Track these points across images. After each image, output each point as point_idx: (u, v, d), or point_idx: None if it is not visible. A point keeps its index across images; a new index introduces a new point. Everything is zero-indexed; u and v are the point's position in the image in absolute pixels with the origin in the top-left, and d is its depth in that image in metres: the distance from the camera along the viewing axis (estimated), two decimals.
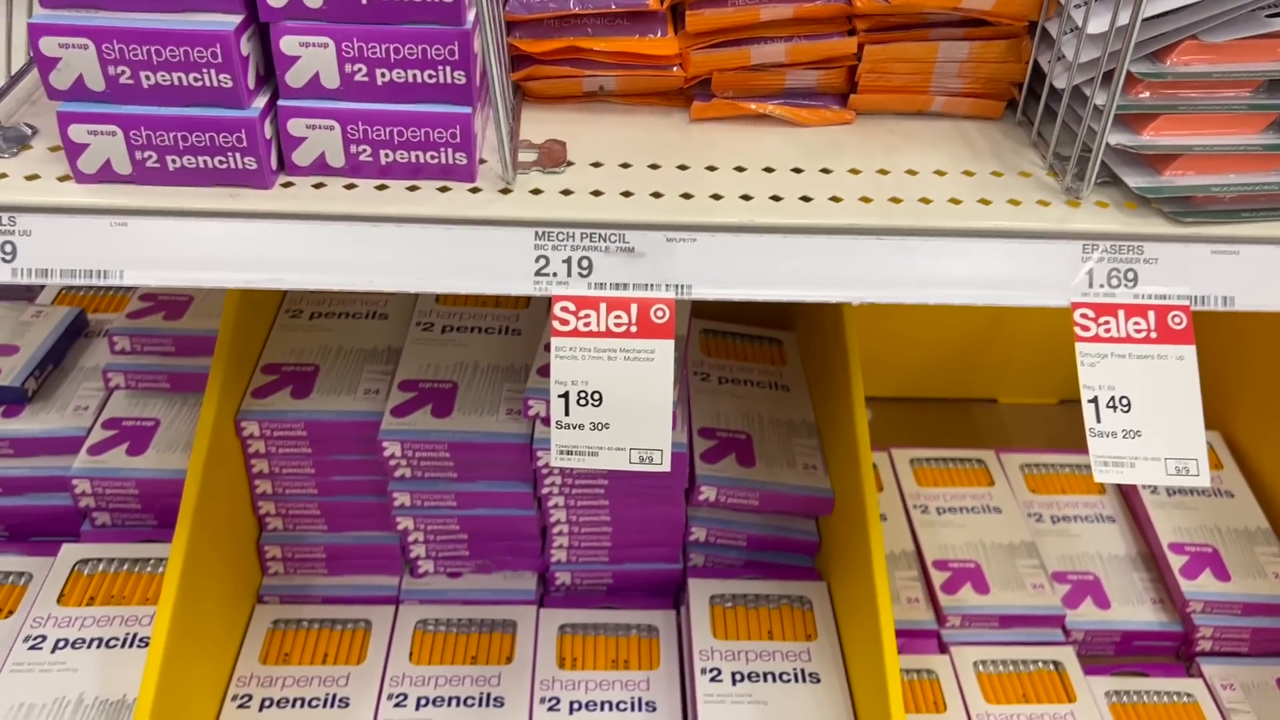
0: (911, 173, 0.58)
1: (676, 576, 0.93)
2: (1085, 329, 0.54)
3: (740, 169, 0.58)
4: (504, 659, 0.87)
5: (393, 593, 0.92)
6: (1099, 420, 0.53)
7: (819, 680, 0.82)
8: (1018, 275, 0.55)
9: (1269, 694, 0.97)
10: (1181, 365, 0.54)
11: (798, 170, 0.58)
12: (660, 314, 0.53)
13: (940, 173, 0.59)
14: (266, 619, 0.89)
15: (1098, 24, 0.54)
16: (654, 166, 0.58)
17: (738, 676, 0.82)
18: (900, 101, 0.63)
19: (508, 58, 0.60)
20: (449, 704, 0.83)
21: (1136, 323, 0.55)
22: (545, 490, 0.85)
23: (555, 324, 0.53)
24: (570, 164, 0.58)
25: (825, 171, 0.58)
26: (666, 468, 0.54)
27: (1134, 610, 1.02)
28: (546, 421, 0.82)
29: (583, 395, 0.53)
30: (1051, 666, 0.97)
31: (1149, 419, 0.54)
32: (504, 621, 0.90)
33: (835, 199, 0.56)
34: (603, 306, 0.53)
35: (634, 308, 0.54)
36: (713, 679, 0.82)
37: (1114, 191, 0.57)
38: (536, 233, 0.54)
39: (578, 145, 0.59)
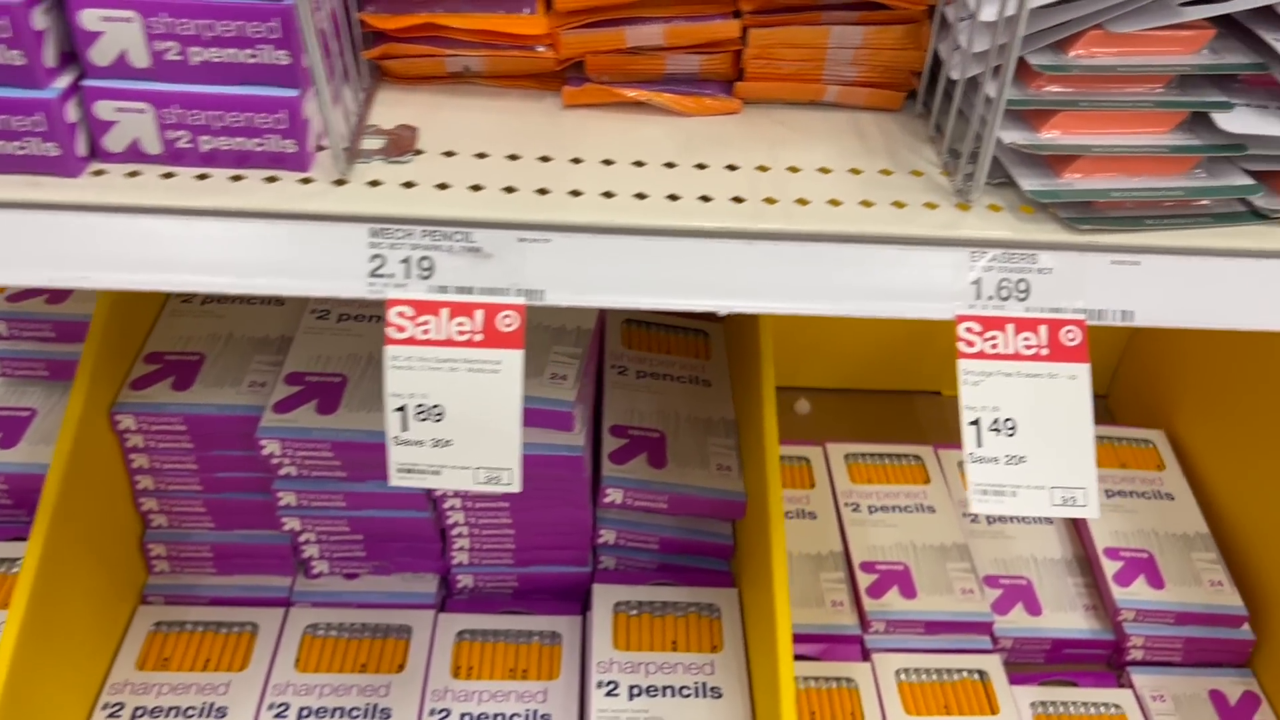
0: (793, 170, 0.54)
1: (586, 580, 0.89)
2: (970, 344, 0.50)
3: (608, 162, 0.53)
4: (395, 667, 0.83)
5: (284, 594, 0.87)
6: (980, 444, 0.49)
7: (720, 695, 0.78)
8: (898, 284, 0.50)
9: (1200, 706, 0.94)
10: (1074, 385, 0.50)
11: (670, 165, 0.54)
12: (508, 321, 0.49)
13: (825, 170, 0.54)
14: (148, 621, 0.85)
15: (990, 10, 0.49)
16: (513, 157, 0.53)
17: (635, 690, 0.78)
18: (791, 90, 0.58)
19: (358, 34, 0.55)
20: (332, 715, 0.79)
21: (1027, 338, 0.50)
22: (439, 491, 0.80)
23: (390, 330, 0.49)
24: (419, 152, 0.53)
25: (700, 167, 0.54)
26: (516, 488, 0.50)
27: (1066, 617, 0.99)
28: None
29: (422, 409, 0.49)
30: (976, 676, 0.93)
31: (1035, 444, 0.49)
32: (399, 627, 0.85)
33: (705, 198, 0.51)
34: (444, 312, 0.49)
35: (479, 314, 0.49)
36: (609, 693, 0.78)
37: (1010, 194, 0.53)
38: (372, 229, 0.49)
39: (434, 131, 0.54)
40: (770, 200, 0.51)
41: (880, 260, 0.50)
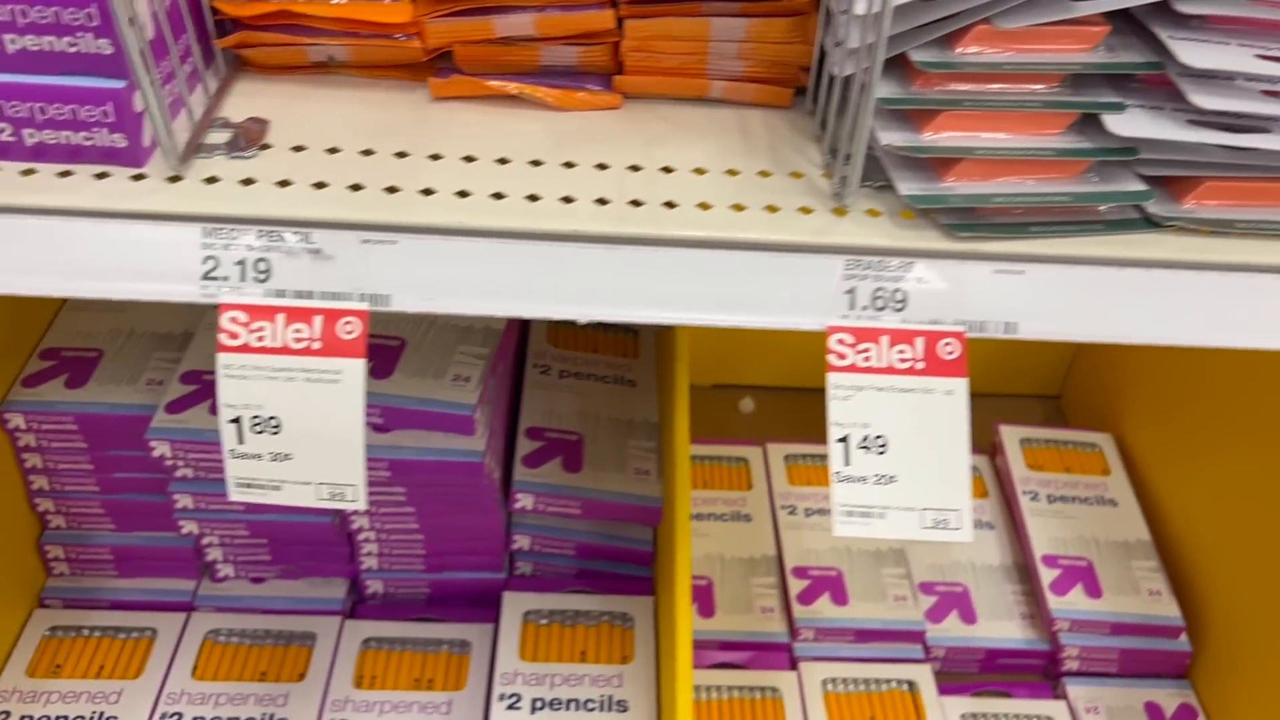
0: (667, 170, 0.51)
1: (501, 586, 0.86)
2: (841, 357, 0.47)
3: (469, 159, 0.50)
4: (296, 675, 0.80)
5: (187, 598, 0.85)
6: (848, 463, 0.46)
7: (626, 709, 0.76)
8: (766, 293, 0.47)
9: (1134, 718, 0.91)
10: (950, 401, 0.47)
11: (536, 163, 0.51)
12: (350, 329, 0.46)
13: (700, 171, 0.51)
14: (43, 626, 0.82)
15: (863, 3, 0.46)
16: (367, 153, 0.50)
17: (538, 704, 0.75)
18: (674, 85, 0.55)
19: (215, 20, 0.52)
20: None
21: (902, 351, 0.47)
22: None
23: (222, 337, 0.46)
24: (267, 147, 0.50)
25: (568, 165, 0.51)
26: (361, 505, 0.47)
27: (1001, 626, 0.96)
28: None
29: (258, 421, 0.46)
30: (905, 686, 0.91)
31: (907, 463, 0.47)
32: (303, 634, 0.83)
33: (567, 199, 0.48)
34: (280, 318, 0.46)
35: (318, 320, 0.46)
36: (510, 706, 0.75)
37: (892, 199, 0.50)
38: (205, 229, 0.46)
39: (289, 125, 0.52)
40: (636, 203, 0.48)
41: (747, 268, 0.47)
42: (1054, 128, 0.49)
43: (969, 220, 0.48)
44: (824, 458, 1.09)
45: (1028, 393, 1.26)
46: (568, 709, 0.75)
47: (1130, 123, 0.48)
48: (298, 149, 0.50)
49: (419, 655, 0.82)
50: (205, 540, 0.83)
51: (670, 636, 0.72)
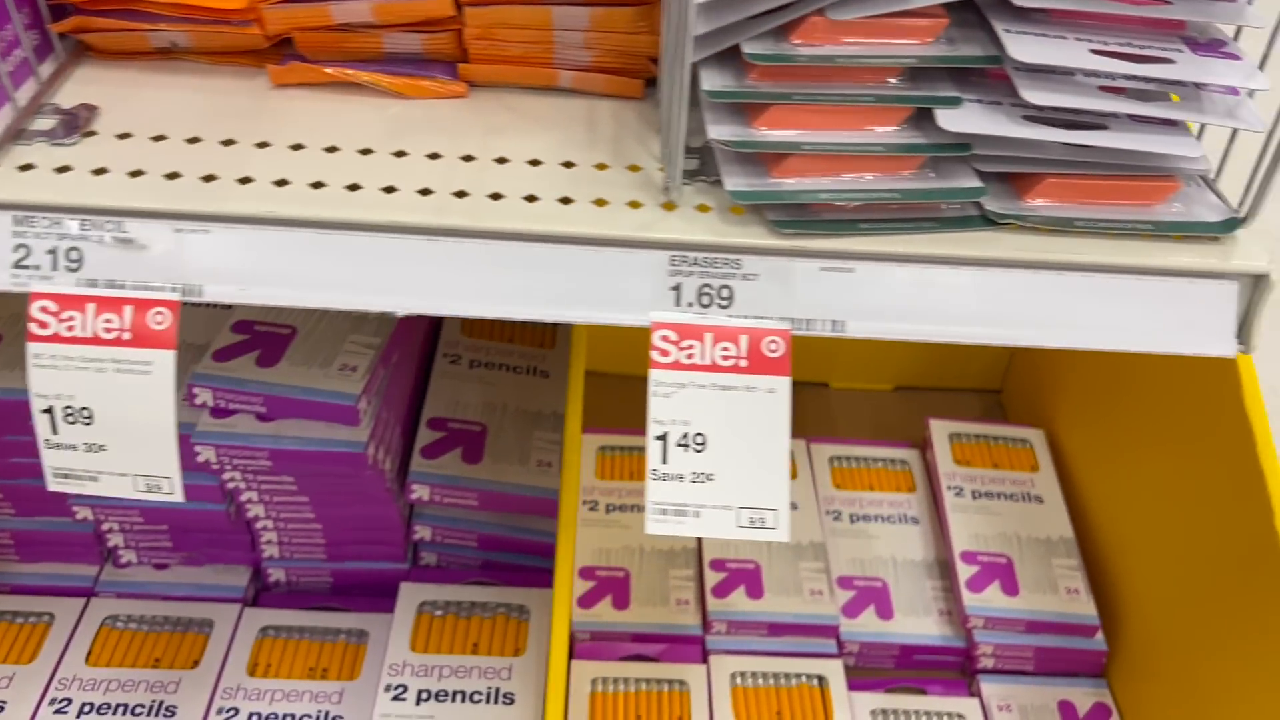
0: (501, 161, 0.50)
1: (404, 577, 0.86)
2: (664, 354, 0.47)
3: (298, 147, 0.50)
4: (190, 663, 0.80)
5: (88, 584, 0.84)
6: (665, 461, 0.46)
7: (512, 701, 0.75)
8: (589, 288, 0.47)
9: (1047, 717, 0.91)
10: (772, 400, 0.47)
11: (366, 152, 0.50)
12: (160, 319, 0.45)
13: (535, 162, 0.50)
14: None
15: None
16: (193, 140, 0.50)
17: (424, 695, 0.75)
18: (521, 74, 0.54)
19: (45, 7, 0.52)
20: (115, 712, 0.76)
21: (726, 348, 0.47)
22: (231, 485, 0.77)
23: (32, 326, 0.45)
24: (92, 134, 0.49)
25: (399, 155, 0.50)
26: (178, 497, 0.47)
27: (918, 622, 0.96)
28: (215, 412, 0.74)
29: (70, 411, 0.46)
30: (815, 681, 0.90)
31: (726, 461, 0.46)
32: (201, 620, 0.82)
33: (390, 189, 0.48)
34: (91, 308, 0.45)
35: (128, 311, 0.46)
36: (395, 697, 0.75)
37: (725, 195, 0.49)
38: (15, 217, 0.45)
39: (122, 112, 0.51)
40: (461, 194, 0.48)
41: (569, 262, 0.46)
42: (889, 122, 0.48)
43: (797, 217, 0.47)
44: None
45: (969, 387, 1.25)
46: (454, 700, 0.75)
47: (962, 118, 0.47)
48: (123, 136, 0.49)
49: (316, 644, 0.82)
50: (105, 526, 0.82)
51: (550, 630, 0.71)
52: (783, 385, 0.47)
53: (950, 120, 0.46)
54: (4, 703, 0.76)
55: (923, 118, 0.48)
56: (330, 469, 0.74)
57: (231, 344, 0.75)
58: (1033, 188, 0.48)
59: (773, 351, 0.47)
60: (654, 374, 0.46)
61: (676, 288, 0.47)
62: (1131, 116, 0.48)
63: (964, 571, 0.96)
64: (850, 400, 1.23)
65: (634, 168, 0.50)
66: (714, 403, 0.46)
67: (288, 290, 0.46)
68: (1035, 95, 0.45)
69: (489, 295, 0.46)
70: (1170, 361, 0.90)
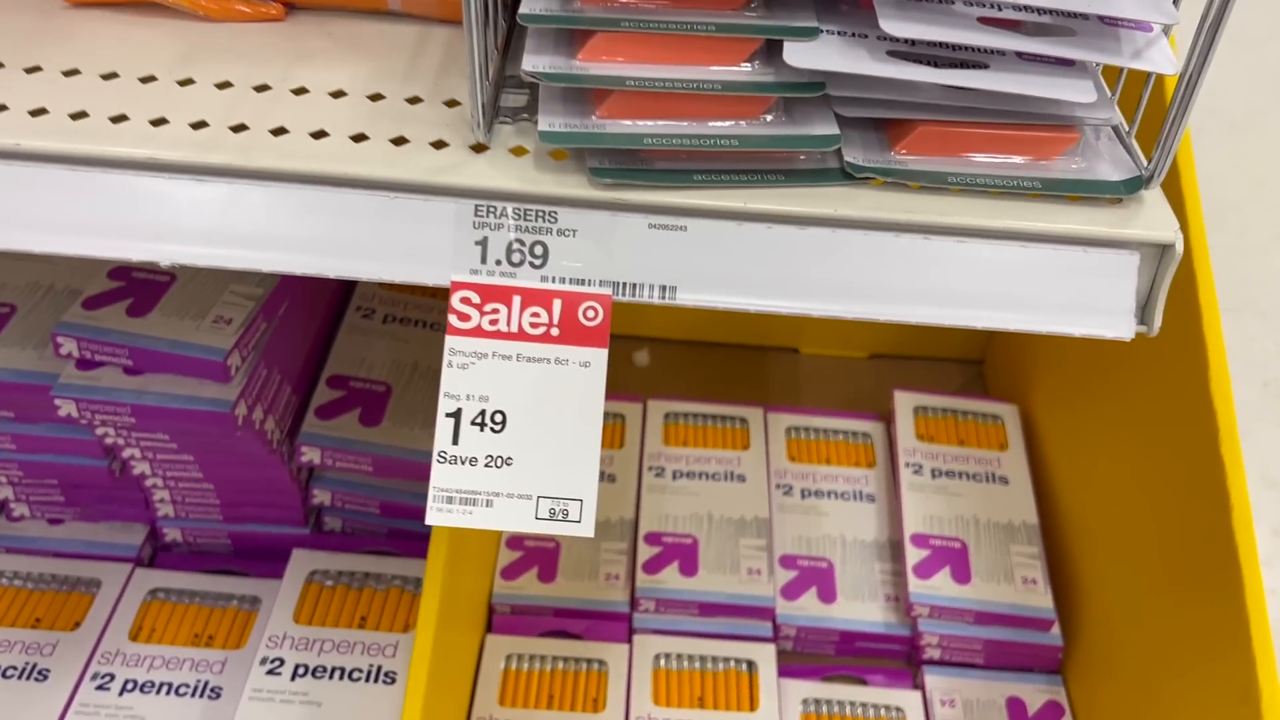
0: (299, 92, 0.44)
1: (305, 542, 0.81)
2: (464, 319, 0.40)
3: (72, 73, 0.44)
4: (71, 624, 0.76)
5: None
6: (455, 441, 0.40)
7: (393, 680, 0.71)
8: (380, 240, 0.41)
9: (993, 713, 0.85)
10: (586, 375, 0.40)
11: (148, 79, 0.44)
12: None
13: (338, 94, 0.44)
14: None
15: None
16: None
17: (300, 670, 0.71)
18: None
19: None
20: None
21: (535, 314, 0.41)
22: (108, 441, 0.73)
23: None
24: None
25: (185, 83, 0.44)
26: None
27: (861, 608, 0.90)
28: (80, 363, 0.69)
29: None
30: (744, 667, 0.85)
31: (527, 444, 0.40)
32: (89, 580, 0.78)
33: (159, 121, 0.42)
34: None
35: None
36: (270, 671, 0.70)
37: None
38: None
39: None
40: (240, 128, 0.42)
41: (357, 210, 0.40)
42: (734, 57, 0.41)
43: (623, 165, 0.41)
44: (708, 417, 1.02)
45: (951, 356, 1.18)
46: (331, 678, 0.70)
47: (813, 53, 0.40)
48: None
49: (205, 610, 0.77)
50: None
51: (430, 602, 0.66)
52: (598, 359, 0.40)
53: (797, 54, 0.39)
54: None
55: (775, 52, 0.41)
56: (197, 428, 0.70)
57: (104, 291, 0.70)
58: (903, 137, 0.42)
59: (590, 320, 0.41)
60: (451, 341, 0.40)
61: (482, 242, 0.41)
62: (1020, 54, 0.40)
63: (913, 555, 0.90)
64: (820, 367, 1.17)
65: (452, 103, 0.44)
66: (518, 377, 0.40)
67: (33, 235, 0.40)
68: (895, 26, 0.38)
69: (261, 244, 0.41)
70: (1145, 341, 0.83)
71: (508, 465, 0.40)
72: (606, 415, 1.01)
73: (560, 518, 0.40)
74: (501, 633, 0.86)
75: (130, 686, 0.72)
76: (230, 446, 0.72)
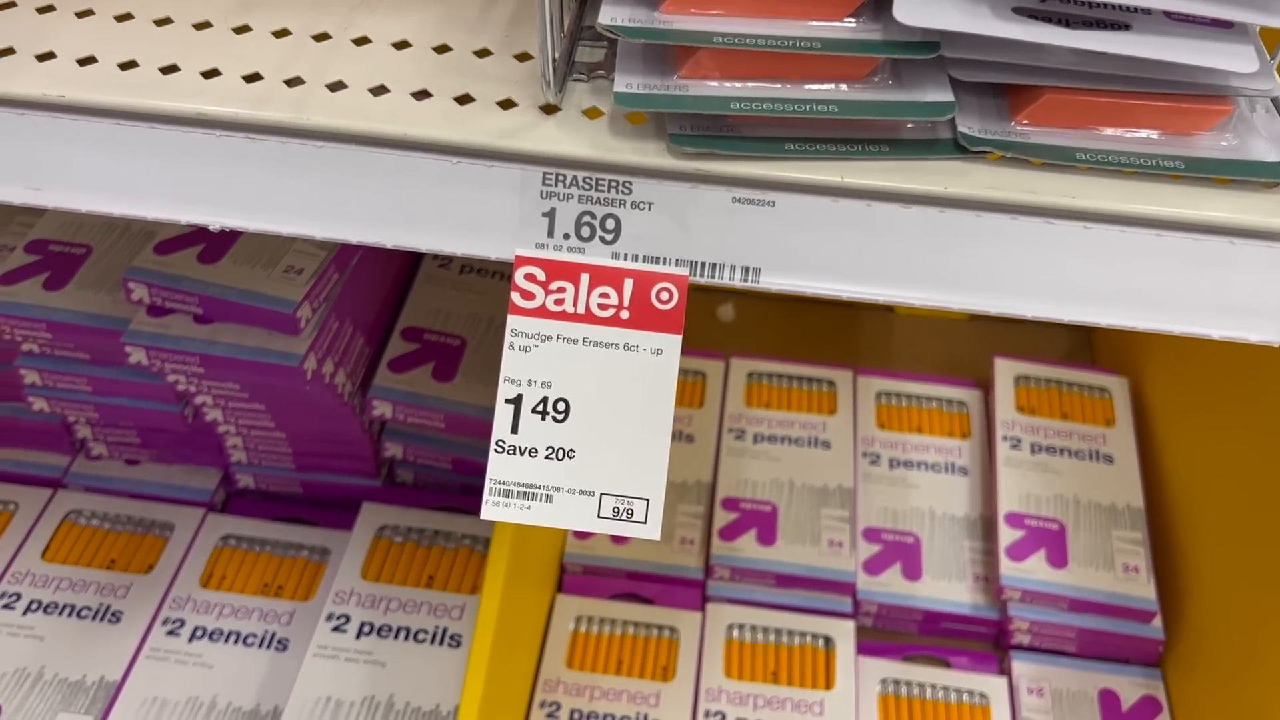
0: (361, 42, 0.41)
1: (377, 493, 0.80)
2: (529, 296, 0.37)
3: (125, 18, 0.41)
4: (145, 567, 0.76)
5: (57, 474, 0.81)
6: (515, 430, 0.37)
7: (458, 644, 0.69)
8: (442, 211, 0.37)
9: (1083, 705, 0.80)
10: (657, 363, 0.37)
11: (203, 26, 0.41)
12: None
13: (402, 45, 0.41)
14: None
15: None
16: (7, 6, 0.42)
17: (366, 629, 0.69)
18: None
19: None
20: (62, 612, 0.73)
21: (605, 294, 0.37)
22: (180, 388, 0.72)
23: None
24: None
25: (241, 30, 0.41)
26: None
27: (947, 587, 0.86)
28: (151, 310, 0.68)
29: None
30: (821, 642, 0.82)
31: (591, 436, 0.37)
32: (163, 523, 0.78)
33: (211, 73, 0.39)
34: None
35: None
36: (336, 628, 0.69)
37: None
38: None
39: None
40: (294, 82, 0.39)
41: (416, 175, 0.37)
42: (837, 11, 0.36)
43: (706, 131, 0.37)
44: (793, 379, 0.98)
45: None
46: (396, 637, 0.69)
47: (927, 8, 0.35)
48: None
49: (275, 559, 0.77)
50: (71, 416, 0.78)
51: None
52: (671, 345, 0.37)
53: (910, 10, 0.35)
54: None
55: (884, 7, 0.36)
56: (266, 380, 0.68)
57: (178, 235, 0.69)
58: (1026, 106, 0.37)
59: (664, 302, 0.37)
60: (513, 321, 0.37)
61: (549, 214, 0.37)
62: (1168, 14, 0.35)
63: (1006, 535, 0.85)
64: (916, 328, 1.11)
65: (524, 56, 0.40)
66: (584, 362, 0.37)
67: (75, 193, 0.38)
68: None
69: (312, 210, 0.38)
70: None
71: (569, 458, 0.37)
72: (687, 372, 0.98)
73: (624, 517, 0.36)
74: (572, 593, 0.84)
75: (200, 633, 0.72)
76: (300, 399, 0.70)
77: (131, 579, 0.75)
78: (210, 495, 0.80)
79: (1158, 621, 0.82)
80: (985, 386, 0.98)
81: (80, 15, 0.41)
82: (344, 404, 0.72)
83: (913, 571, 0.87)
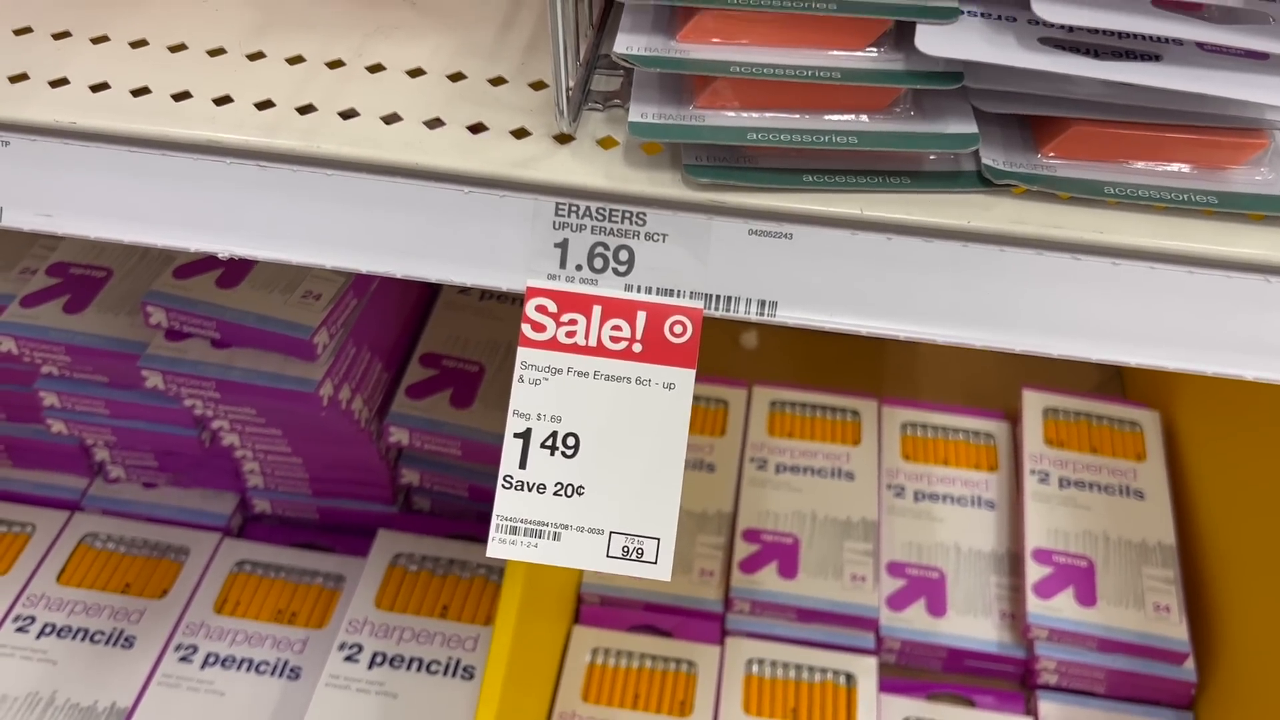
0: (375, 69, 0.40)
1: (394, 520, 0.79)
2: (539, 329, 0.36)
3: (140, 44, 0.41)
4: (159, 592, 0.76)
5: (75, 496, 0.81)
6: (523, 465, 0.36)
7: (471, 676, 0.68)
8: (448, 239, 0.37)
9: None
10: (670, 398, 0.36)
11: (217, 52, 0.41)
12: None
13: (416, 72, 0.40)
14: None
15: None
16: (22, 32, 0.41)
17: (378, 659, 0.69)
18: None
19: None
20: (75, 636, 0.73)
21: (617, 327, 0.36)
22: (197, 412, 0.71)
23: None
24: None
25: (255, 57, 0.41)
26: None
27: (972, 624, 0.84)
28: (169, 334, 0.68)
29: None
30: (842, 679, 0.80)
31: (601, 472, 0.36)
32: (178, 547, 0.78)
33: (223, 99, 0.38)
34: None
35: None
36: (348, 658, 0.69)
37: None
38: None
39: None
40: (306, 109, 0.38)
41: (427, 204, 0.37)
42: (858, 40, 0.36)
43: (722, 162, 0.36)
44: (817, 408, 0.97)
45: None
46: (409, 669, 0.68)
47: (951, 38, 0.34)
48: None
49: (290, 585, 0.76)
50: (89, 440, 0.78)
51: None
52: (684, 380, 0.36)
53: (934, 40, 0.34)
54: None
55: (906, 36, 0.36)
56: (282, 405, 0.68)
57: (197, 259, 0.69)
58: (1052, 138, 0.36)
59: (677, 336, 0.36)
60: (523, 354, 0.36)
61: (562, 245, 0.37)
62: (1200, 45, 0.34)
63: (1034, 572, 0.84)
64: (942, 357, 1.09)
65: (539, 85, 0.40)
66: (595, 396, 0.36)
67: (85, 220, 0.38)
68: (1050, 9, 0.32)
69: (322, 240, 0.37)
70: None
71: (579, 495, 0.36)
72: (708, 400, 0.97)
73: (634, 557, 0.35)
74: (589, 624, 0.83)
75: (212, 660, 0.72)
76: (317, 424, 0.70)
77: (146, 603, 0.75)
78: (226, 520, 0.80)
79: (1190, 663, 0.80)
80: (1013, 418, 0.96)
81: (95, 41, 0.41)
82: (361, 430, 0.72)
83: (937, 607, 0.85)
